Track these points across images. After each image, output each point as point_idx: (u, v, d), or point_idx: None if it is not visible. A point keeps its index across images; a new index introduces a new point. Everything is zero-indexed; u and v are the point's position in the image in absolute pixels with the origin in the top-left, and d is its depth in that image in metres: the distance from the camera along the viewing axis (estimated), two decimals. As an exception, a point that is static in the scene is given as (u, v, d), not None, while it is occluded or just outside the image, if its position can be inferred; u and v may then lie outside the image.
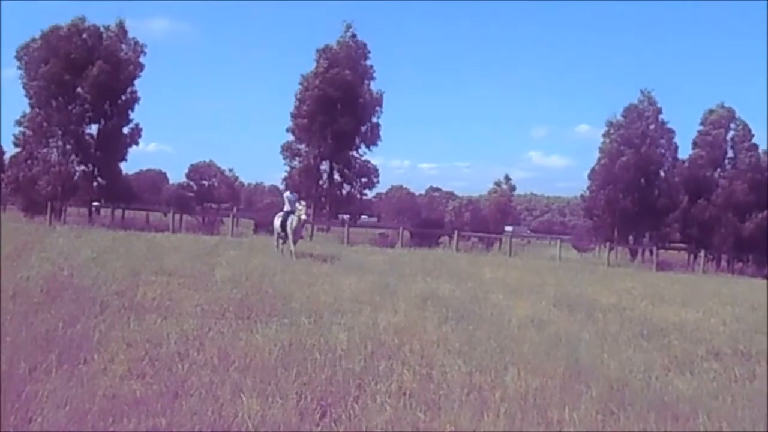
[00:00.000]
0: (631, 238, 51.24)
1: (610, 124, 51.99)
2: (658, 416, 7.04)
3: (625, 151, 49.53)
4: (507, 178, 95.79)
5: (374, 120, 48.36)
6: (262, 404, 6.25)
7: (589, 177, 52.37)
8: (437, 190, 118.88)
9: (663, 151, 51.40)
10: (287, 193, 25.35)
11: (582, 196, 54.67)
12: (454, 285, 18.06)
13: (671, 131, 51.62)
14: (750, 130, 51.95)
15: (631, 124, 50.73)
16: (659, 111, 51.43)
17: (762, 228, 48.31)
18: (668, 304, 18.49)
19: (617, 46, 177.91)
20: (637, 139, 49.97)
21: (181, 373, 7.15)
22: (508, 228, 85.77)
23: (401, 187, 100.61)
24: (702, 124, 52.85)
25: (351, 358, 8.34)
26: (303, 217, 23.80)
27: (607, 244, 47.57)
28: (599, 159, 51.54)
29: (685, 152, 52.63)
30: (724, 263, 49.18)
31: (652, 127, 50.95)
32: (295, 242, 23.55)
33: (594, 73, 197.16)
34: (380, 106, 48.21)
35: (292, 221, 23.41)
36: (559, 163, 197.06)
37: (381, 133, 48.55)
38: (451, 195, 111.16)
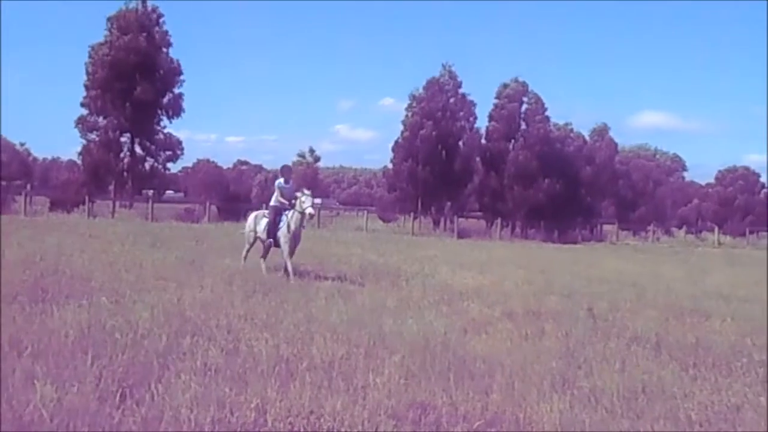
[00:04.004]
0: (433, 208, 53.20)
1: (412, 97, 53.48)
2: (456, 375, 7.40)
3: (425, 124, 51.12)
4: (311, 150, 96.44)
5: (176, 90, 46.98)
6: (57, 391, 5.94)
7: (393, 150, 53.71)
8: (245, 163, 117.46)
9: (463, 123, 53.57)
10: (279, 181, 16.46)
11: (386, 168, 56.02)
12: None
13: (472, 104, 53.90)
14: (543, 104, 55.29)
15: (433, 97, 52.42)
16: (459, 84, 53.52)
17: (551, 196, 51.74)
18: (467, 270, 19.46)
19: (420, 19, 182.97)
20: (438, 112, 51.73)
21: (-35, 363, 6.65)
22: (317, 200, 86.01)
23: (208, 160, 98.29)
24: (497, 97, 55.56)
25: (154, 337, 8.09)
26: (310, 212, 15.55)
27: (411, 214, 49.18)
28: (402, 132, 52.99)
29: (481, 124, 55.19)
30: (518, 230, 52.27)
31: (452, 100, 52.94)
32: (292, 252, 15.58)
33: (398, 47, 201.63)
34: (180, 74, 46.88)
35: (289, 221, 15.52)
36: (366, 136, 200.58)
37: (184, 104, 47.28)
38: (259, 168, 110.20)
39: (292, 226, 15.44)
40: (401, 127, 53.39)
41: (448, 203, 53.84)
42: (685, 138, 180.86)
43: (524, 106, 55.25)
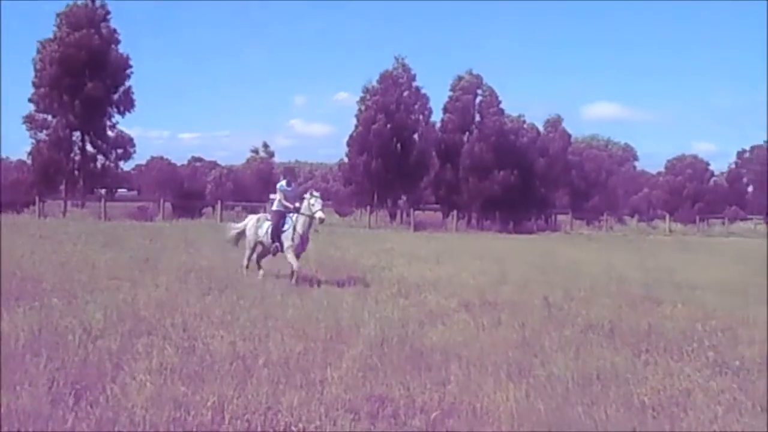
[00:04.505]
0: (389, 201, 53.27)
1: (366, 91, 53.37)
2: (413, 367, 7.46)
3: (379, 118, 51.11)
4: (265, 145, 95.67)
5: (127, 84, 46.41)
6: (8, 395, 5.83)
7: (348, 144, 53.61)
8: (200, 160, 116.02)
9: (417, 116, 53.68)
10: (282, 183, 15.41)
11: (341, 162, 55.95)
12: (218, 256, 17.87)
13: (425, 97, 54.03)
14: (497, 96, 55.64)
15: (387, 90, 52.39)
16: (413, 77, 53.58)
17: (505, 187, 52.16)
18: (424, 262, 19.57)
19: (374, 12, 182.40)
20: (392, 105, 51.74)
21: None
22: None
23: (161, 158, 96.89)
24: (452, 90, 55.78)
25: (108, 337, 8.01)
26: (320, 216, 14.48)
27: (367, 207, 49.19)
28: (356, 126, 52.88)
29: (437, 117, 55.39)
30: (473, 221, 52.61)
31: (406, 93, 52.99)
32: (298, 256, 14.55)
33: (352, 40, 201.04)
34: (130, 68, 46.32)
35: (296, 224, 14.52)
36: (321, 131, 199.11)
37: (136, 100, 46.71)
38: (214, 164, 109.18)
39: (299, 230, 14.42)
40: (355, 121, 53.29)
41: (404, 196, 53.97)
42: (636, 128, 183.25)
43: (479, 99, 55.55)
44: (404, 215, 50.71)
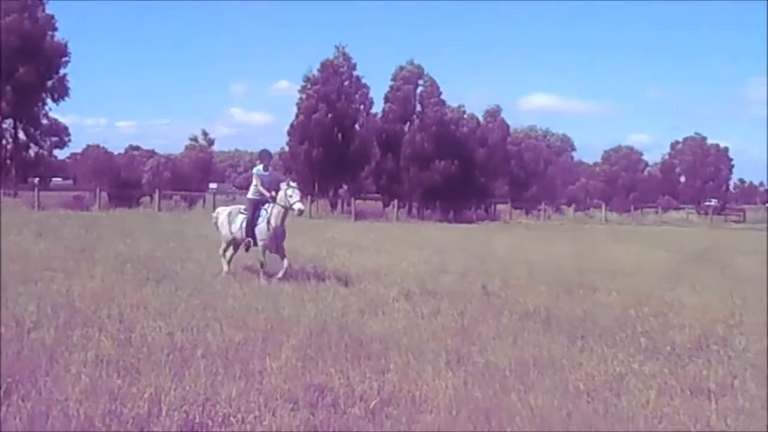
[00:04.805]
0: (330, 190, 53.17)
1: (307, 79, 53.11)
2: (353, 356, 7.48)
3: (320, 107, 50.94)
4: (205, 134, 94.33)
5: (61, 72, 45.30)
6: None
7: (289, 133, 53.30)
8: (137, 148, 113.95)
9: (358, 105, 53.67)
10: (258, 168, 14.16)
11: (282, 151, 55.61)
12: (156, 246, 17.66)
13: (366, 86, 54.04)
14: (438, 87, 55.92)
15: (327, 80, 52.22)
16: (354, 66, 53.49)
17: (446, 177, 52.51)
18: (364, 252, 19.59)
19: (314, 1, 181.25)
20: (332, 94, 51.61)
21: None
22: (213, 185, 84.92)
23: (98, 146, 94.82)
24: (393, 79, 55.89)
25: (41, 330, 7.84)
26: (299, 207, 13.37)
27: (308, 197, 48.98)
28: (297, 115, 52.61)
29: (378, 107, 55.45)
30: (414, 211, 52.87)
31: (347, 83, 52.91)
32: (275, 250, 13.47)
33: (292, 29, 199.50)
34: (66, 56, 45.22)
35: (270, 216, 13.34)
36: (261, 119, 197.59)
37: (71, 88, 45.67)
38: (151, 153, 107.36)
39: (273, 223, 13.25)
40: (296, 110, 53.00)
41: (345, 185, 53.97)
42: (573, 119, 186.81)
43: (419, 89, 55.78)
44: (345, 205, 50.67)
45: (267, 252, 13.46)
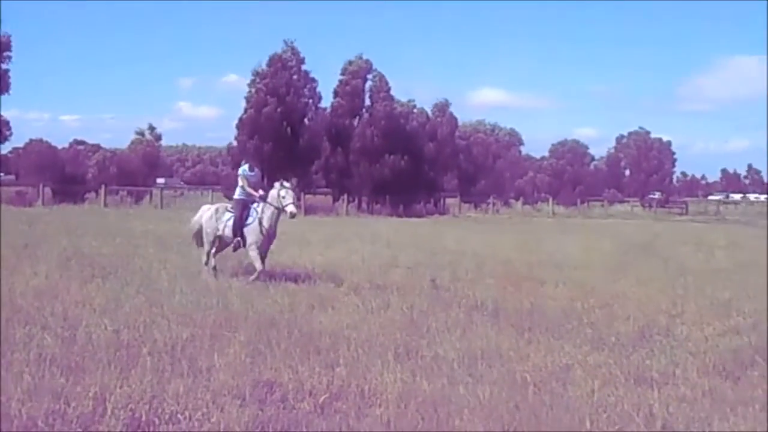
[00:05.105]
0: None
1: (256, 73, 52.71)
2: (302, 351, 7.47)
3: (269, 101, 50.62)
4: (152, 128, 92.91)
5: (3, 66, 44.16)
6: None
7: (238, 127, 52.85)
8: (82, 143, 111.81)
9: (307, 100, 53.46)
10: (243, 168, 13.86)
11: (230, 146, 55.16)
12: (101, 242, 17.38)
13: (314, 80, 53.86)
14: (386, 82, 56.00)
15: (276, 73, 51.88)
16: (302, 61, 53.28)
17: (395, 171, 52.65)
18: (314, 246, 19.55)
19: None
20: (281, 88, 51.31)
21: None
22: (160, 180, 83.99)
23: (41, 140, 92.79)
24: (342, 74, 55.80)
25: (-18, 329, 7.66)
26: (292, 210, 12.75)
27: (259, 191, 48.62)
28: (246, 109, 52.19)
29: (327, 101, 55.31)
30: (364, 205, 52.90)
31: (295, 77, 52.65)
32: (265, 253, 13.03)
33: (240, 22, 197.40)
34: (9, 50, 44.10)
35: (261, 216, 12.89)
36: (209, 113, 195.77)
37: (11, 80, 44.56)
38: (97, 148, 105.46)
39: (265, 224, 12.79)
40: (245, 104, 52.57)
41: (295, 180, 53.42)
42: (521, 114, 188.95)
43: (368, 83, 55.83)
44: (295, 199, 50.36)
45: (259, 252, 12.78)
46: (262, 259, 12.83)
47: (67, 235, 18.20)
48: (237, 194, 13.51)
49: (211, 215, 13.62)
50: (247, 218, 13.00)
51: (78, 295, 9.96)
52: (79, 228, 21.20)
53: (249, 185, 13.33)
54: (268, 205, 12.90)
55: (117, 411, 5.49)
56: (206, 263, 13.42)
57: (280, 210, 12.84)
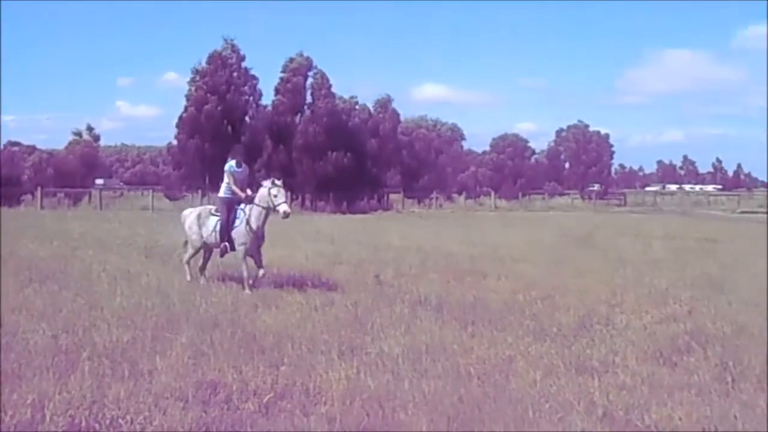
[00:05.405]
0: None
1: (195, 71, 52.17)
2: (246, 351, 7.43)
3: (210, 99, 50.14)
4: (89, 128, 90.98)
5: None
6: None
7: (178, 126, 52.22)
8: (17, 144, 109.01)
9: (247, 97, 53.09)
10: (230, 164, 12.72)
11: (171, 145, 54.45)
12: (38, 245, 17.04)
13: (255, 78, 53.54)
14: (328, 79, 55.88)
15: (216, 71, 51.42)
16: (243, 58, 52.91)
17: (339, 168, 52.59)
18: (258, 245, 19.35)
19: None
20: (222, 86, 50.87)
21: None
22: (99, 181, 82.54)
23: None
24: (283, 71, 55.52)
25: None
26: (285, 210, 11.99)
27: (199, 191, 48.17)
28: (186, 107, 51.63)
29: (268, 99, 54.98)
30: (308, 203, 52.71)
31: (236, 74, 52.24)
32: (257, 259, 12.22)
33: (180, 19, 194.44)
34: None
35: (249, 217, 12.05)
36: (148, 113, 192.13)
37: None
38: (32, 149, 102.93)
39: (253, 225, 11.95)
40: (185, 102, 51.98)
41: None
42: (463, 109, 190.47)
43: (310, 80, 55.67)
44: (238, 198, 49.97)
45: (246, 257, 12.11)
46: (257, 260, 12.16)
47: (3, 238, 17.71)
48: (222, 192, 12.67)
49: (194, 221, 12.78)
50: (234, 221, 12.19)
51: (15, 301, 9.75)
52: (15, 231, 20.69)
53: (235, 183, 12.43)
54: (256, 205, 12.03)
55: (56, 418, 5.40)
56: (188, 264, 12.80)
57: (269, 210, 12.02)
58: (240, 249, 12.08)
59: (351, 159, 53.32)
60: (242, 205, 12.23)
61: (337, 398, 6.11)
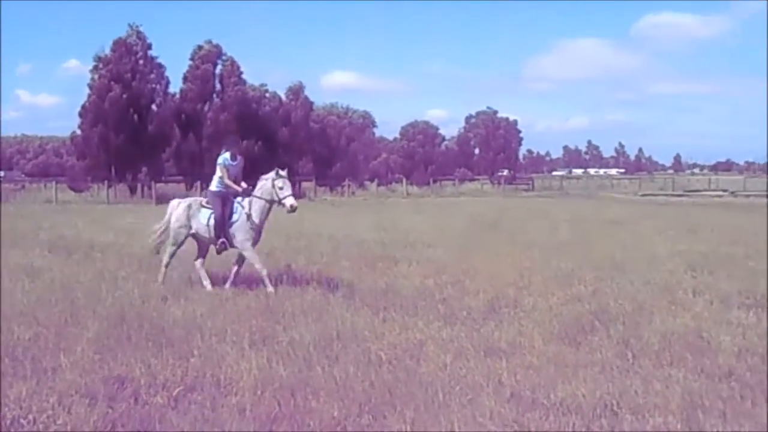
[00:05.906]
0: (128, 174, 51.11)
1: (99, 59, 50.70)
2: (154, 344, 7.31)
3: (114, 87, 48.86)
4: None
5: None
6: None
7: (81, 115, 50.67)
8: None
9: (154, 85, 51.97)
10: (224, 157, 11.80)
11: (74, 135, 52.81)
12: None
13: (161, 66, 52.47)
14: (238, 66, 55.32)
15: (120, 59, 50.12)
16: (149, 46, 51.71)
17: (249, 157, 51.83)
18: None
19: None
20: (127, 74, 49.63)
21: None
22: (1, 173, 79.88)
23: None
24: (191, 59, 54.63)
25: None
26: (291, 203, 11.21)
27: (105, 182, 46.95)
28: (89, 96, 50.15)
29: (176, 86, 54.00)
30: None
31: (141, 62, 51.05)
32: (253, 255, 11.34)
33: (81, 4, 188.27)
34: None
35: (250, 211, 11.21)
36: (50, 101, 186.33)
37: None
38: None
39: (256, 219, 11.17)
40: (88, 91, 50.44)
41: (144, 168, 52.01)
42: (374, 96, 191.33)
43: (219, 68, 54.95)
44: (146, 188, 48.92)
45: (255, 253, 11.37)
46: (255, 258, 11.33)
47: None
48: (214, 186, 11.66)
49: (183, 212, 11.69)
50: (231, 215, 11.36)
51: None
52: None
53: (229, 176, 11.51)
54: (258, 198, 11.24)
55: (-49, 422, 5.19)
56: (167, 266, 11.66)
57: (273, 203, 11.31)
58: (246, 246, 11.25)
59: (262, 147, 52.81)
60: (239, 199, 11.42)
61: (248, 388, 6.07)
